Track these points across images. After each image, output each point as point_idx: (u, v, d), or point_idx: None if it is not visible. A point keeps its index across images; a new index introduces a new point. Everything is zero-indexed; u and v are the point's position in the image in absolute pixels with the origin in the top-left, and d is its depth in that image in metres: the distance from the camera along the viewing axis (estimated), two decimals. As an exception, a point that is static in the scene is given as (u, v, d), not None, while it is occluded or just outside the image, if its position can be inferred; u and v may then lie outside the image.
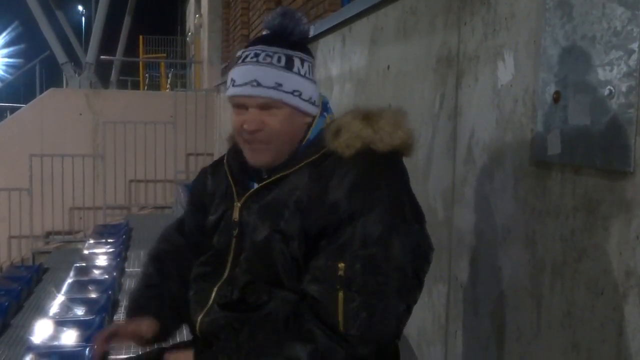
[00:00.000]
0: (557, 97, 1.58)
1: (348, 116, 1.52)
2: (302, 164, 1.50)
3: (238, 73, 1.52)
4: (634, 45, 1.35)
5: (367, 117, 1.50)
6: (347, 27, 3.42)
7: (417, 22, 2.50)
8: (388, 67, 2.81)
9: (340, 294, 1.38)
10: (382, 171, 1.46)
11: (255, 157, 1.53)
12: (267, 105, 1.49)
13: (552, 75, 1.61)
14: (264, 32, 1.60)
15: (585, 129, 1.49)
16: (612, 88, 1.40)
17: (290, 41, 1.54)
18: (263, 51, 1.51)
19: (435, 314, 2.32)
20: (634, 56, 1.35)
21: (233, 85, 1.52)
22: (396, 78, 2.72)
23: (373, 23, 3.01)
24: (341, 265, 1.39)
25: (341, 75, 3.51)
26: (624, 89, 1.38)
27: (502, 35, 1.88)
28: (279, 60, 1.51)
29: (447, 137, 2.24)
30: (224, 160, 1.68)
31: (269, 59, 1.50)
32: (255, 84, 1.48)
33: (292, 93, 1.51)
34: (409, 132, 1.52)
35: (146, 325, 1.57)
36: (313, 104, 1.56)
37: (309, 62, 1.56)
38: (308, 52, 1.58)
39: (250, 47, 1.54)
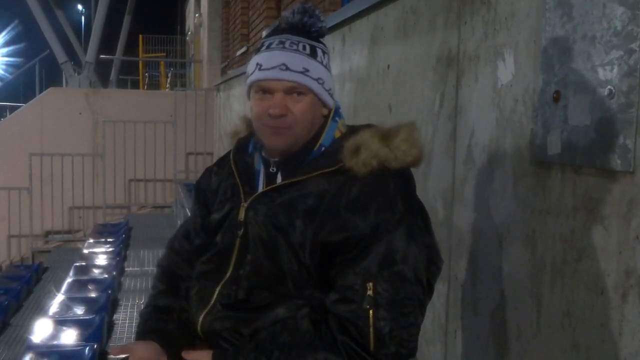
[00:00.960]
0: (557, 97, 1.59)
1: (366, 133, 1.51)
2: (317, 173, 1.50)
3: (265, 58, 1.52)
4: (634, 45, 1.35)
5: (385, 135, 1.50)
6: (347, 26, 3.42)
7: (417, 22, 2.50)
8: (388, 66, 2.81)
9: (371, 313, 1.39)
10: (397, 188, 1.48)
11: (275, 140, 1.52)
12: (293, 91, 1.50)
13: (552, 75, 1.61)
14: (282, 25, 1.61)
15: (585, 129, 1.49)
16: (612, 88, 1.41)
17: (311, 35, 1.57)
18: (287, 39, 1.53)
19: (435, 314, 2.32)
20: (634, 56, 1.35)
21: (260, 70, 1.51)
22: (396, 77, 2.72)
23: (373, 22, 3.01)
24: (369, 284, 1.40)
25: (341, 74, 3.51)
26: (624, 88, 1.38)
27: (502, 35, 1.88)
28: (304, 48, 1.53)
29: (447, 136, 2.24)
30: (230, 157, 1.67)
31: (295, 46, 1.52)
32: (284, 67, 1.49)
33: (317, 80, 1.52)
34: (421, 149, 1.53)
35: (148, 352, 1.53)
36: (331, 96, 1.58)
37: (328, 55, 1.59)
38: (326, 46, 1.61)
39: (273, 36, 1.56)
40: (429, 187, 2.36)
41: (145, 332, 1.61)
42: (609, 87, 1.41)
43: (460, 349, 2.16)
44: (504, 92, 1.87)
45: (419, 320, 1.46)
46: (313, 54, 1.54)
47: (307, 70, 1.50)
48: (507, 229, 1.84)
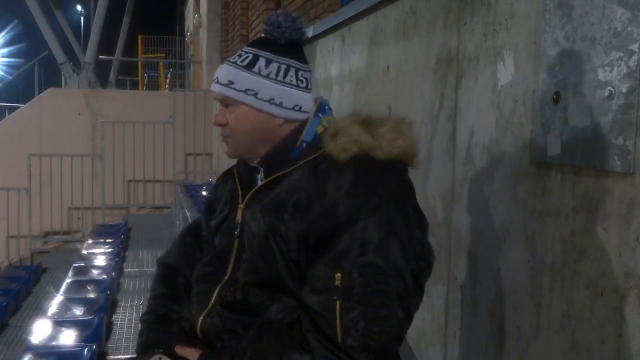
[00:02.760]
0: (557, 98, 1.58)
1: (347, 120, 1.50)
2: (300, 163, 1.50)
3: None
4: (634, 46, 1.35)
5: (367, 123, 1.48)
6: (347, 27, 3.42)
7: (417, 23, 2.50)
8: (388, 67, 2.81)
9: (338, 305, 1.36)
10: (379, 178, 1.44)
11: (226, 148, 1.62)
12: (225, 102, 1.56)
13: (552, 76, 1.61)
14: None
15: (585, 130, 1.49)
16: (612, 89, 1.40)
17: (277, 45, 1.54)
18: (240, 51, 1.58)
19: (434, 315, 2.32)
20: (634, 57, 1.35)
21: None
22: (396, 78, 2.72)
23: (373, 23, 3.01)
24: (338, 275, 1.37)
25: (341, 75, 3.51)
26: (624, 90, 1.38)
27: (502, 36, 1.88)
28: (244, 60, 1.55)
29: (446, 137, 2.24)
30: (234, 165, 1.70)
31: (236, 59, 1.56)
32: (215, 80, 1.57)
33: (244, 91, 1.53)
34: (411, 142, 1.49)
35: None
36: (279, 105, 1.53)
37: (284, 65, 1.54)
38: (294, 57, 1.56)
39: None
40: (429, 188, 2.35)
41: (148, 344, 1.61)
42: (608, 88, 1.41)
43: (459, 350, 2.15)
44: (503, 93, 1.86)
45: (397, 314, 1.39)
46: (249, 65, 1.53)
47: (232, 82, 1.53)
48: (506, 230, 1.83)
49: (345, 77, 3.45)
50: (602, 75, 1.44)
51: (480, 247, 2.01)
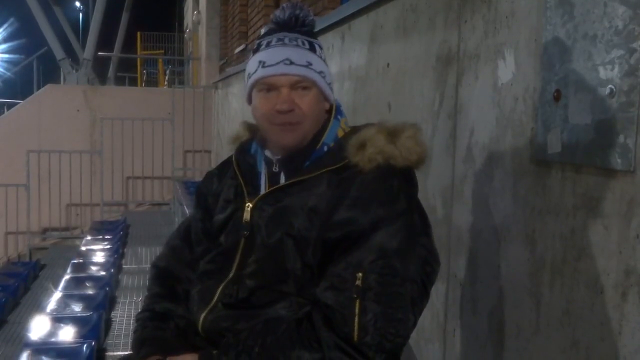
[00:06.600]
0: (557, 96, 1.58)
1: (372, 130, 1.51)
2: (322, 171, 1.50)
3: (267, 55, 1.53)
4: (636, 44, 1.35)
5: (391, 132, 1.51)
6: (347, 24, 3.42)
7: (417, 20, 2.50)
8: (388, 64, 2.80)
9: (357, 303, 1.38)
10: (400, 185, 1.47)
11: (286, 137, 1.53)
12: (298, 85, 1.51)
13: (552, 74, 1.61)
14: (271, 26, 1.61)
15: (585, 128, 1.49)
16: (613, 87, 1.40)
17: (304, 31, 1.58)
18: (286, 36, 1.55)
19: (433, 312, 2.32)
20: (635, 55, 1.35)
21: (263, 67, 1.52)
22: (396, 76, 2.71)
23: (373, 21, 3.01)
24: (359, 274, 1.39)
25: (340, 73, 3.51)
26: (625, 87, 1.37)
27: (503, 34, 1.88)
28: (303, 43, 1.55)
29: (446, 135, 2.24)
30: (233, 159, 1.67)
31: (294, 42, 1.54)
32: (288, 62, 1.50)
33: (319, 73, 1.54)
34: (425, 148, 1.53)
35: None
36: (332, 90, 1.60)
37: (323, 50, 1.61)
38: (319, 42, 1.62)
39: (269, 36, 1.57)
40: (429, 186, 2.35)
41: (143, 340, 1.61)
42: (609, 86, 1.41)
43: (459, 347, 2.16)
44: (504, 91, 1.86)
45: (409, 318, 1.43)
46: (312, 49, 1.56)
47: (311, 64, 1.52)
48: (506, 228, 1.84)
49: (345, 75, 3.44)
50: (603, 73, 1.44)
51: (480, 245, 2.01)
